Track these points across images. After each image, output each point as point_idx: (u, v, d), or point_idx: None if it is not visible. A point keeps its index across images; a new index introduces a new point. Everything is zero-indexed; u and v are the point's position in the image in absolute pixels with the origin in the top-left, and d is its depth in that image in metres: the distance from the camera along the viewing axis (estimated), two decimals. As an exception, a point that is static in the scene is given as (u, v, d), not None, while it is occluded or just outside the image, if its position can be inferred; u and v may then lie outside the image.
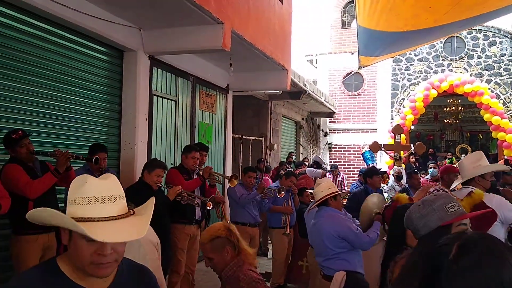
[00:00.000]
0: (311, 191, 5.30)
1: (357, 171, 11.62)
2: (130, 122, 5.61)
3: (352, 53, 14.55)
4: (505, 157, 12.19)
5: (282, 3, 7.47)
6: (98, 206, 1.42)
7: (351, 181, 12.73)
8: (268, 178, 8.60)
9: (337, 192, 3.92)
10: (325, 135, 15.68)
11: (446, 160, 13.31)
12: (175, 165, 6.00)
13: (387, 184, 8.98)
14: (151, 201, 1.63)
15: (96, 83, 5.25)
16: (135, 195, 4.23)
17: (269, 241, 7.43)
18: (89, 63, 5.13)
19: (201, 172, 5.45)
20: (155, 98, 6.08)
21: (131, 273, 1.64)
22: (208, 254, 2.58)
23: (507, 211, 3.44)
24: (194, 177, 5.39)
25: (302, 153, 14.12)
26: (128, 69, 5.65)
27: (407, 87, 14.55)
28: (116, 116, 5.60)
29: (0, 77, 4.04)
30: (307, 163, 10.91)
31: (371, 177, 6.06)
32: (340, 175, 11.21)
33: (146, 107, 5.80)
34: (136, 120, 5.60)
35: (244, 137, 9.73)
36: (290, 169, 8.78)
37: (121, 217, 1.46)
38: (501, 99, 13.54)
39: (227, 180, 5.85)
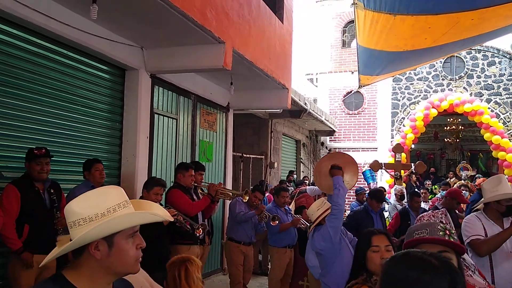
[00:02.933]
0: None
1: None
2: (131, 140, 5.62)
3: (352, 72, 14.65)
4: None
5: (282, 23, 7.55)
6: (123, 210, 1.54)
7: (351, 199, 12.69)
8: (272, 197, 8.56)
9: (327, 209, 3.80)
10: (329, 152, 15.66)
11: (450, 180, 13.27)
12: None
13: (388, 203, 8.95)
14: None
15: (97, 101, 5.28)
16: None
17: (269, 260, 7.36)
18: (91, 81, 5.16)
19: (199, 190, 5.43)
20: (156, 116, 6.11)
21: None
22: None
23: (463, 231, 3.49)
24: (194, 195, 5.38)
25: (303, 171, 14.10)
26: (129, 87, 5.68)
27: (407, 106, 14.61)
28: (117, 134, 5.62)
29: (1, 95, 4.06)
30: (307, 182, 10.88)
31: (371, 198, 6.07)
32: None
33: (147, 125, 5.82)
34: (137, 138, 5.61)
35: (244, 155, 9.73)
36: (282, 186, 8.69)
37: None
38: (501, 118, 13.58)
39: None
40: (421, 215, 3.80)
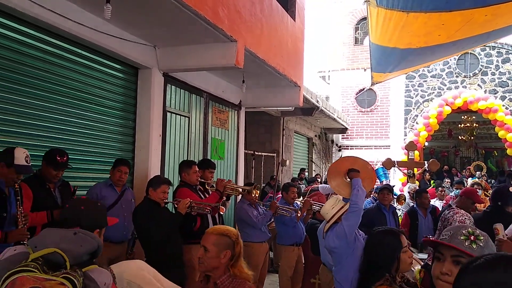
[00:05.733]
0: None
1: (370, 187, 11.49)
2: (144, 138, 5.67)
3: (365, 70, 14.58)
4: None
5: (294, 21, 7.54)
6: None
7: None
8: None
9: (342, 207, 3.75)
10: (339, 150, 15.60)
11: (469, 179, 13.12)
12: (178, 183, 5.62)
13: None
14: None
15: (111, 99, 5.33)
16: (145, 215, 4.21)
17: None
18: (104, 80, 5.21)
19: (207, 186, 5.41)
20: (168, 114, 6.14)
21: None
22: (209, 245, 2.50)
23: None
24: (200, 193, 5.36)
25: (314, 170, 14.07)
26: (142, 86, 5.73)
27: (421, 104, 14.49)
28: (130, 132, 5.66)
29: (16, 94, 4.12)
30: (319, 180, 10.85)
31: (381, 191, 6.08)
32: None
33: (160, 124, 5.86)
34: (150, 136, 5.65)
35: (256, 153, 9.75)
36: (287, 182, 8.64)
37: None
38: (516, 115, 13.42)
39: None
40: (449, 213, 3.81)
